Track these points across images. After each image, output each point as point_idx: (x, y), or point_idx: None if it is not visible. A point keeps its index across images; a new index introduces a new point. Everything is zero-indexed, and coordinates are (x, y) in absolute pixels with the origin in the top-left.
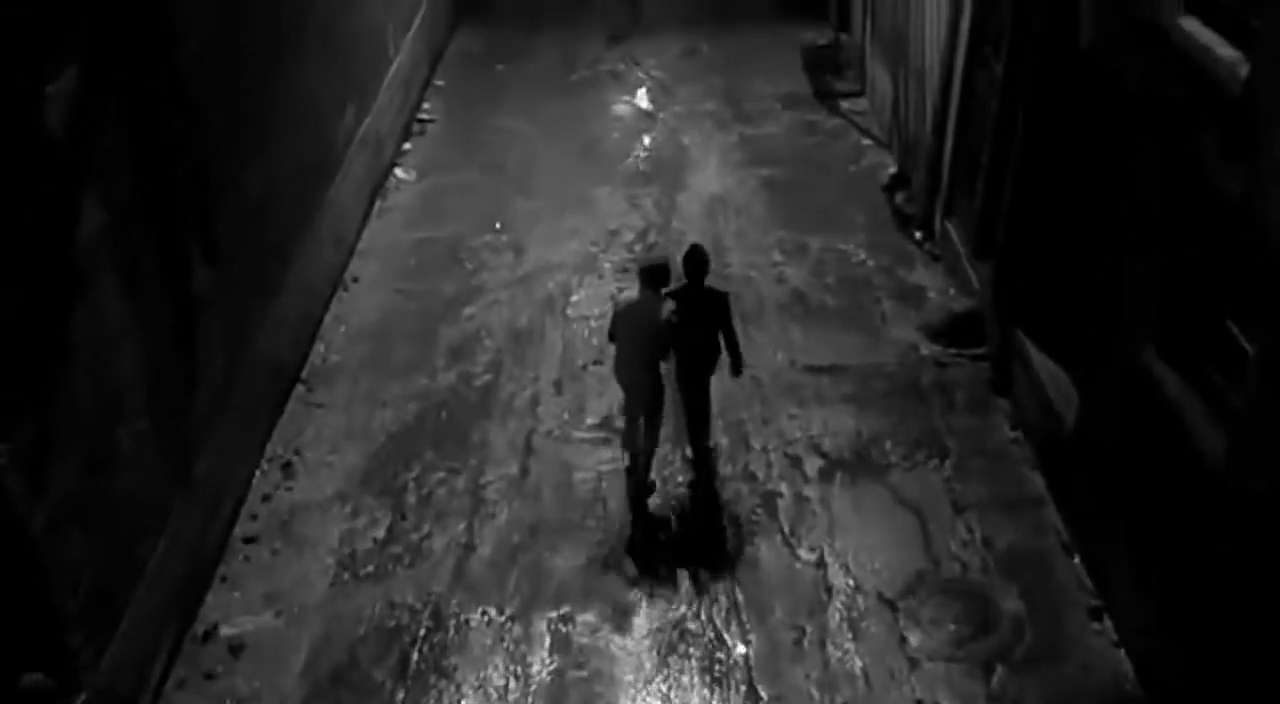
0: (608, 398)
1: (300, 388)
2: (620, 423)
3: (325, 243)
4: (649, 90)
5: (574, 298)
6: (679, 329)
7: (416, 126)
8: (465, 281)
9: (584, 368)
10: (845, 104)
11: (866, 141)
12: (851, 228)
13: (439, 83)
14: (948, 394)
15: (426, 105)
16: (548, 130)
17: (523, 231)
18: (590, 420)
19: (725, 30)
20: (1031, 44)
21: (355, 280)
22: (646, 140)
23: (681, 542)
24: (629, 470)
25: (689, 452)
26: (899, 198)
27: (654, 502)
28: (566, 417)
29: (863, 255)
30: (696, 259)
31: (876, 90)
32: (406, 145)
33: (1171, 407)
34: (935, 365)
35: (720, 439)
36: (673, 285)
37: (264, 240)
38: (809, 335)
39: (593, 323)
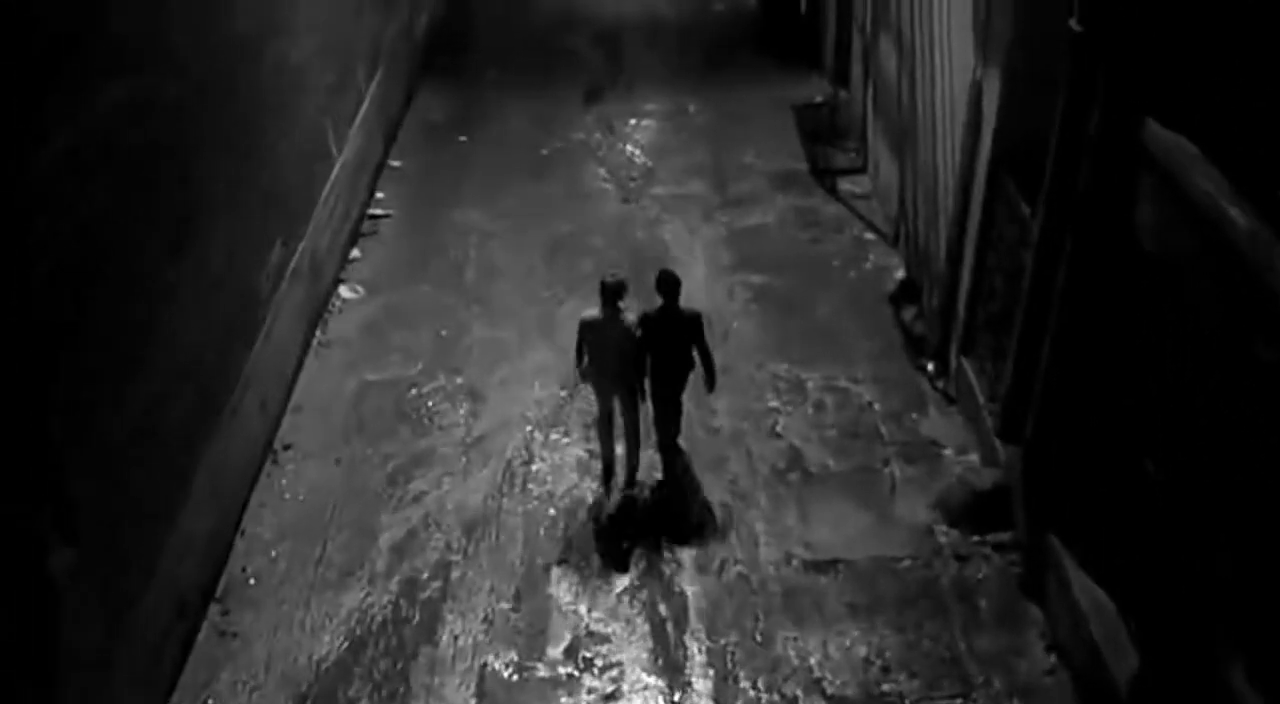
0: (571, 618)
1: (215, 609)
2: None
3: (248, 415)
4: (627, 168)
5: (536, 467)
6: (654, 348)
7: (368, 225)
8: (412, 444)
9: (547, 570)
10: (845, 184)
11: (869, 235)
12: (855, 356)
13: (395, 164)
14: (970, 600)
15: (380, 195)
16: (513, 224)
17: (480, 371)
18: (553, 651)
19: (713, 84)
20: (1077, 212)
21: (286, 448)
22: (623, 236)
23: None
24: (605, 471)
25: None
26: (907, 314)
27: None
28: (525, 645)
29: (868, 397)
30: (668, 282)
31: (880, 172)
32: (355, 252)
33: None
34: (954, 558)
35: (705, 669)
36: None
37: (156, 459)
38: (807, 514)
39: (558, 503)
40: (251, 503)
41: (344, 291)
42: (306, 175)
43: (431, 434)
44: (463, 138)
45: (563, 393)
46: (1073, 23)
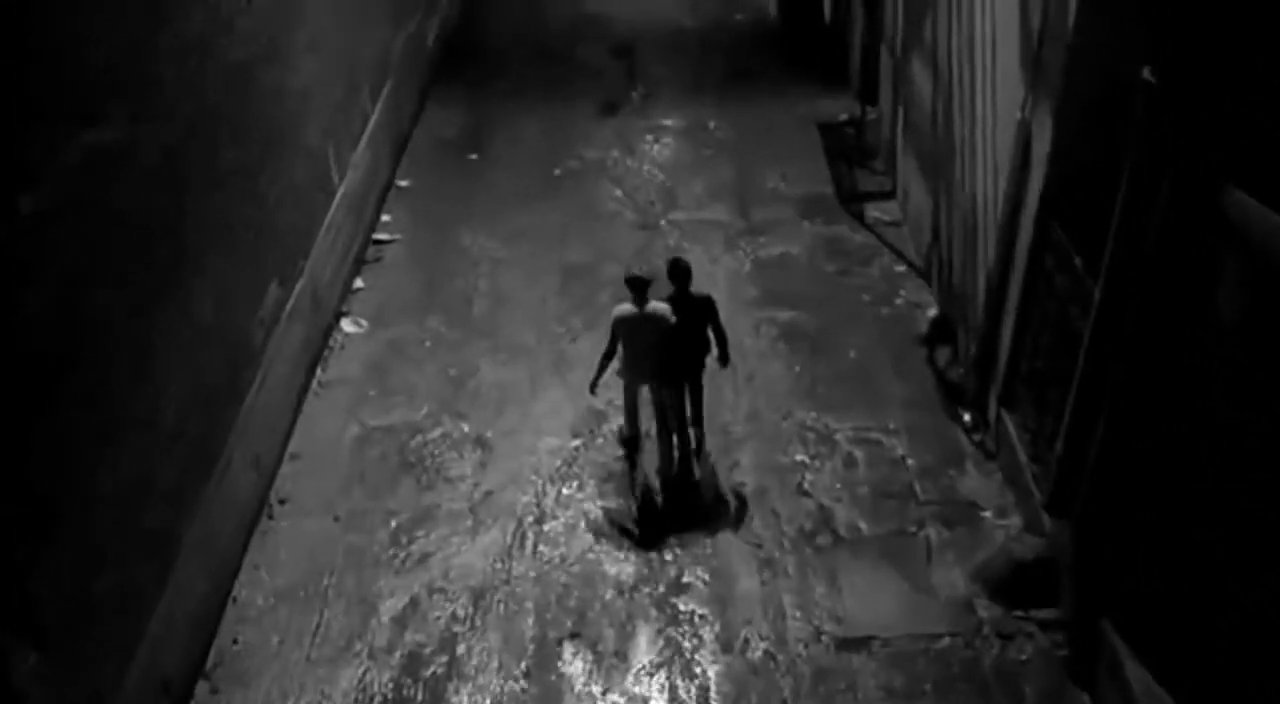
0: (585, 700)
1: (203, 687)
2: None
3: (240, 474)
4: (645, 189)
5: (548, 527)
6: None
7: (372, 251)
8: (416, 499)
9: (559, 644)
10: (873, 211)
11: (900, 267)
12: (887, 404)
13: (402, 184)
14: (1014, 685)
15: (386, 218)
16: (525, 249)
17: (489, 416)
18: None
19: (733, 98)
20: (1144, 282)
21: (282, 503)
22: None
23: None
24: (627, 450)
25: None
26: (941, 357)
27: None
28: None
29: (901, 450)
30: (680, 270)
31: (910, 199)
32: (358, 281)
33: None
34: (997, 636)
35: None
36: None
37: (137, 535)
38: (839, 584)
39: (571, 568)
40: (244, 564)
41: (346, 325)
42: (307, 207)
43: (437, 487)
44: (473, 155)
45: (575, 442)
46: (1146, 73)
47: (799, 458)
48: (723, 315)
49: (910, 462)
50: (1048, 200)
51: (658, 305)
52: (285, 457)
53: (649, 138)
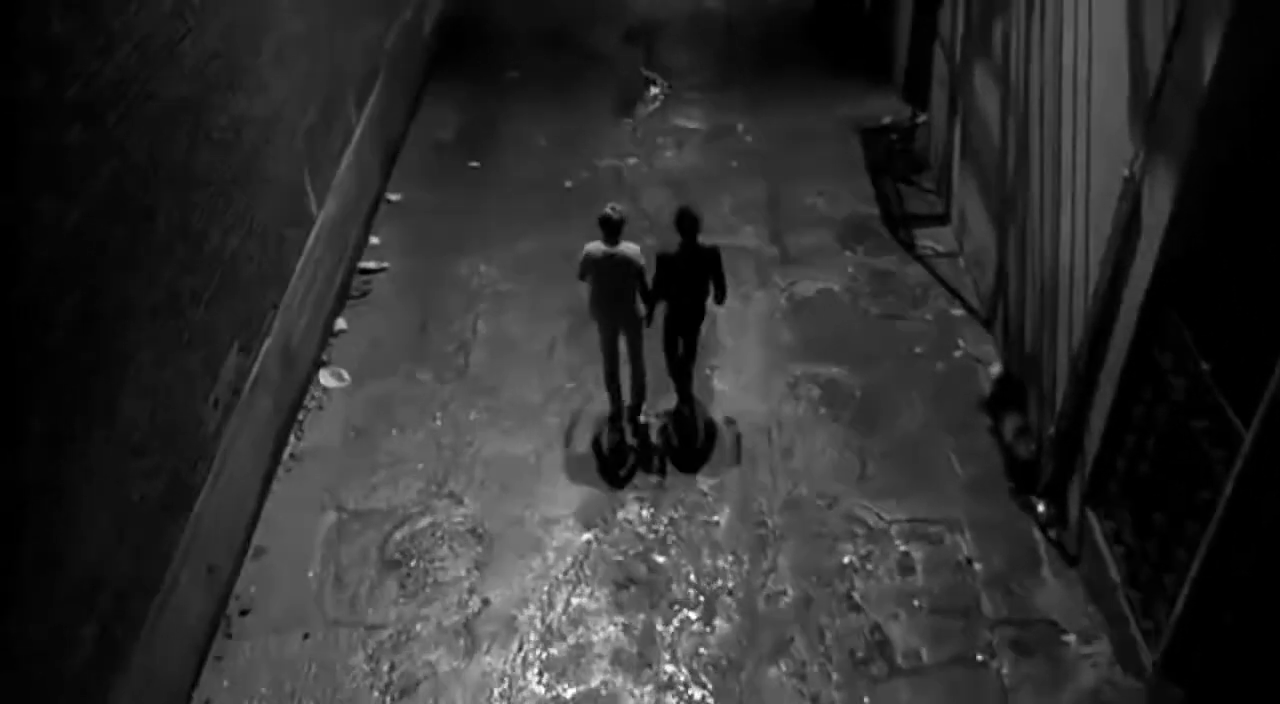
0: None
1: None
2: None
3: (187, 593)
4: (667, 207)
5: (555, 650)
6: (674, 285)
7: (358, 282)
8: (402, 611)
9: None
10: (925, 240)
11: (956, 311)
12: (947, 488)
13: (393, 198)
14: None
15: (375, 240)
16: (530, 281)
17: (488, 500)
18: None
19: (764, 94)
20: None
21: (244, 614)
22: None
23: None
24: (613, 403)
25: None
26: (1008, 427)
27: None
28: None
29: (965, 550)
30: (688, 220)
31: (969, 227)
32: (340, 322)
33: None
34: None
35: None
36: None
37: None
38: None
39: None
40: (194, 701)
41: (325, 378)
42: (276, 251)
43: (425, 593)
44: (474, 163)
45: (587, 536)
46: None
47: (847, 559)
48: (755, 369)
49: (977, 566)
50: (1162, 283)
51: (628, 247)
52: (248, 553)
53: (670, 142)
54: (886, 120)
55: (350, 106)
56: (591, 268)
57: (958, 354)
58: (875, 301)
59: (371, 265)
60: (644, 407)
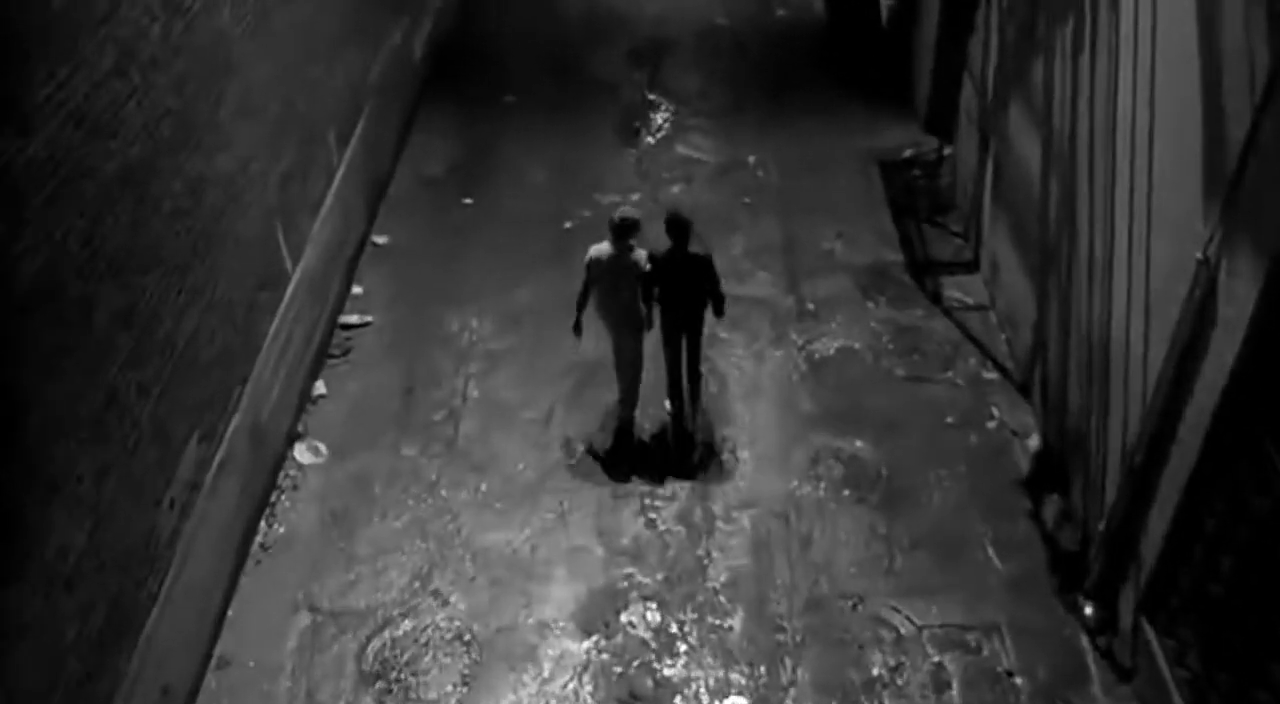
0: None
1: None
2: None
3: None
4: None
5: None
6: (665, 290)
7: (338, 340)
8: None
9: None
10: (953, 291)
11: (989, 373)
12: (983, 584)
13: (379, 240)
14: None
15: (357, 290)
16: (526, 338)
17: (478, 601)
18: None
19: (777, 122)
20: None
21: None
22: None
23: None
24: (622, 403)
25: (667, 405)
26: (1049, 512)
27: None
28: None
29: (1005, 660)
30: (678, 225)
31: (1001, 278)
32: (318, 386)
33: None
34: None
35: None
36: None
37: None
38: None
39: None
40: None
41: (300, 453)
42: (244, 320)
43: None
44: (467, 200)
45: (587, 644)
46: None
47: (875, 671)
48: (771, 440)
49: (1018, 680)
50: (1240, 387)
51: (637, 253)
52: (211, 664)
53: (677, 176)
54: (908, 153)
55: (331, 145)
56: (595, 268)
57: (991, 425)
58: (901, 361)
59: (354, 320)
60: (637, 411)
